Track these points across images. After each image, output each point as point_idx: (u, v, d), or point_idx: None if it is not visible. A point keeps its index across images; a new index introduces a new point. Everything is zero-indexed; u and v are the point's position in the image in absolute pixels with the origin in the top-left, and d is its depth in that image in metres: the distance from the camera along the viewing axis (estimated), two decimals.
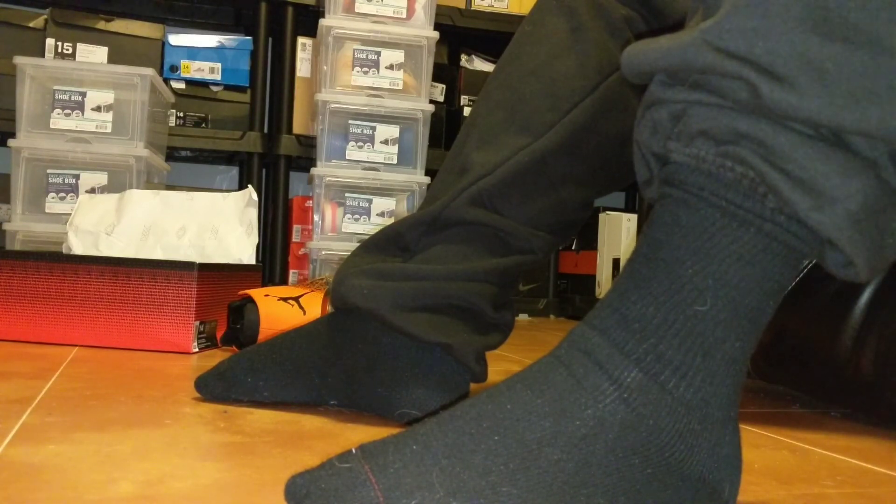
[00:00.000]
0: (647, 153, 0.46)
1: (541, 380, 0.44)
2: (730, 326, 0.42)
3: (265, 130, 2.20)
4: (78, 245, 1.26)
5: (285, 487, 0.41)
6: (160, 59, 2.10)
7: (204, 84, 2.16)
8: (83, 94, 1.76)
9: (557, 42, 0.74)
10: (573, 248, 2.46)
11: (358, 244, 0.76)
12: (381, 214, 1.94)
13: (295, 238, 2.22)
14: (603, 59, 0.72)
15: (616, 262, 2.22)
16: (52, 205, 1.75)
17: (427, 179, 1.95)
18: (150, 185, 1.81)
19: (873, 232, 0.41)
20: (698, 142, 0.42)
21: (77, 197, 1.72)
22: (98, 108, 1.77)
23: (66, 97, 1.76)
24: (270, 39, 2.25)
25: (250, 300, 1.11)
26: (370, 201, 1.94)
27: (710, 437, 0.43)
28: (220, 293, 1.20)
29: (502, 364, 1.14)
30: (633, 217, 2.25)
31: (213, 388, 0.76)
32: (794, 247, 0.41)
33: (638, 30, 0.74)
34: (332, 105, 1.90)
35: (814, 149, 0.39)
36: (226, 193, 1.33)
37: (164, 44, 2.11)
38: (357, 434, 0.66)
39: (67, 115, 1.76)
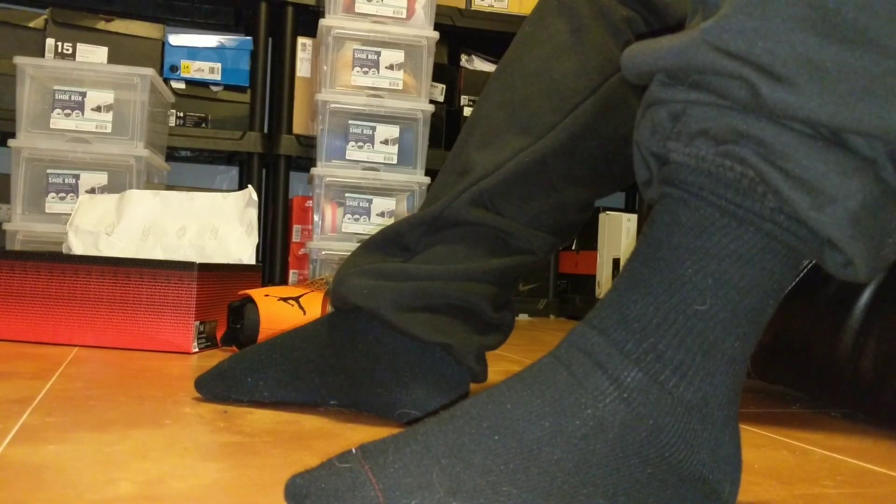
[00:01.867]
0: (646, 153, 0.46)
1: (541, 380, 0.44)
2: (729, 326, 0.42)
3: (265, 130, 2.20)
4: (78, 245, 1.26)
5: (285, 487, 0.41)
6: (160, 59, 2.10)
7: (204, 84, 2.16)
8: (83, 94, 1.76)
9: (558, 43, 0.74)
10: (573, 248, 2.46)
11: (358, 244, 0.76)
12: (381, 214, 1.94)
13: (295, 238, 2.22)
14: (604, 59, 0.72)
15: (616, 262, 2.22)
16: (52, 205, 1.75)
17: (427, 179, 1.95)
18: (150, 185, 1.81)
19: (873, 231, 0.41)
20: (698, 141, 0.42)
21: (77, 197, 1.72)
22: (98, 108, 1.77)
23: (66, 97, 1.76)
24: (270, 39, 2.26)
25: (250, 300, 1.11)
26: (370, 201, 1.94)
27: (710, 437, 0.43)
28: (220, 293, 1.20)
29: (502, 364, 1.14)
30: (633, 217, 2.25)
31: (213, 388, 0.76)
32: (793, 246, 0.41)
33: (639, 31, 0.74)
34: (332, 105, 1.90)
35: (813, 148, 0.40)
36: (226, 193, 1.33)
37: (164, 44, 2.11)
38: (357, 434, 0.66)
39: (67, 115, 1.76)
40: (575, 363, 0.43)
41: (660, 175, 0.45)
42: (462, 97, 2.35)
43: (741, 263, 0.41)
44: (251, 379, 0.74)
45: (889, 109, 0.39)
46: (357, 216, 1.93)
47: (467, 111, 2.31)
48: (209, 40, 2.16)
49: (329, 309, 0.76)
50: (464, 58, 2.40)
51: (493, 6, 2.33)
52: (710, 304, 0.42)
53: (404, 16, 1.95)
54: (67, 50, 2.02)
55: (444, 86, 2.36)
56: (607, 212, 2.31)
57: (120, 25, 2.07)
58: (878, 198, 0.40)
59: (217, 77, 2.16)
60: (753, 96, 0.39)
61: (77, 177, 1.75)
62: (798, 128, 0.40)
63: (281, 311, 1.10)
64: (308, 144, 2.13)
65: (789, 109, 0.39)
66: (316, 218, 1.92)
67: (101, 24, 2.05)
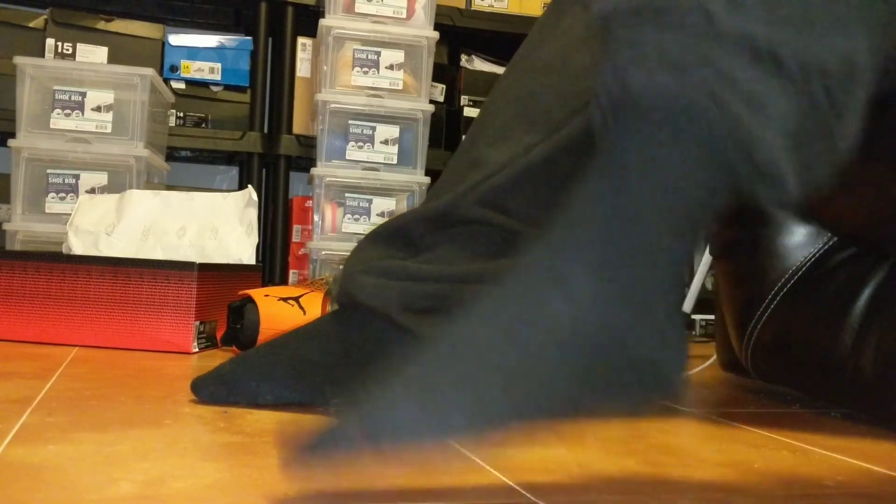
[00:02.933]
0: (604, 98, 0.49)
1: (492, 297, 0.48)
2: (669, 228, 0.47)
3: (265, 130, 2.20)
4: (78, 245, 1.26)
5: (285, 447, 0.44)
6: (160, 59, 2.10)
7: (204, 84, 2.16)
8: (83, 94, 1.76)
9: (574, 36, 0.73)
10: None
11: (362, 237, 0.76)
12: (381, 214, 1.94)
13: (295, 238, 2.22)
14: None
15: None
16: (52, 205, 1.75)
17: (427, 179, 1.95)
18: (150, 185, 1.81)
19: (804, 152, 0.45)
20: (654, 66, 0.46)
21: (77, 197, 1.72)
22: (98, 108, 1.77)
23: (66, 97, 1.75)
24: (270, 39, 2.25)
25: (250, 300, 1.11)
26: (370, 201, 1.94)
27: (654, 325, 0.47)
28: (220, 293, 1.20)
29: None
30: None
31: (213, 392, 0.75)
32: (734, 167, 0.45)
33: None
34: (332, 105, 1.90)
35: (758, 71, 0.44)
36: (226, 193, 1.33)
37: (164, 44, 2.11)
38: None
39: (67, 115, 1.76)
40: (523, 276, 0.48)
41: (614, 102, 0.49)
42: (462, 97, 2.35)
43: (684, 176, 0.46)
44: (255, 382, 0.73)
45: (819, 37, 0.44)
46: (357, 216, 1.93)
47: (467, 111, 2.31)
48: (209, 40, 2.16)
49: (329, 308, 0.76)
50: (464, 58, 2.40)
51: (493, 6, 2.33)
52: (651, 210, 0.46)
53: (404, 16, 1.95)
54: (67, 50, 2.02)
55: (444, 86, 2.36)
56: None
57: (120, 25, 2.07)
58: (811, 122, 0.45)
59: (217, 77, 2.16)
60: (708, 22, 0.44)
61: (77, 177, 1.75)
62: (746, 53, 0.44)
63: (281, 311, 1.10)
64: (308, 144, 2.13)
65: (739, 31, 0.43)
66: (316, 218, 1.91)
67: (101, 24, 2.05)
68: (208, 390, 0.75)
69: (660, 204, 0.46)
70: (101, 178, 1.76)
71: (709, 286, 1.66)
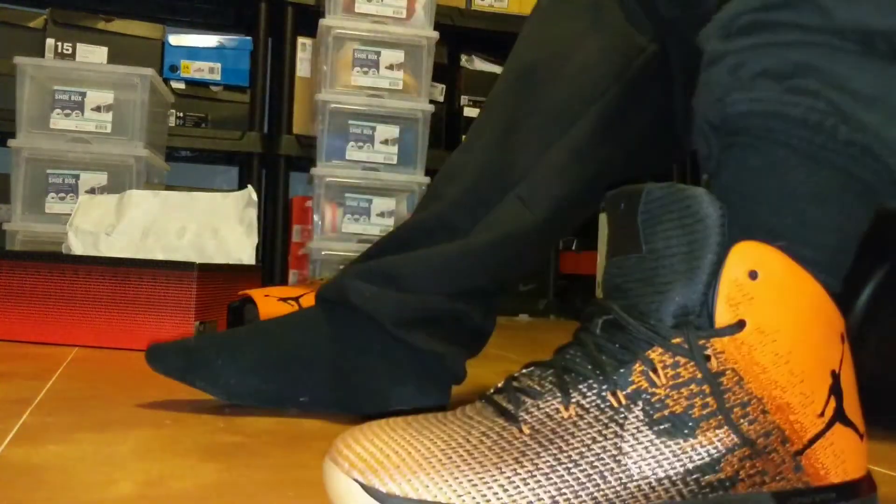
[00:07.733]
0: (704, 124, 0.44)
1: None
2: (811, 265, 0.40)
3: (265, 130, 2.20)
4: (78, 245, 1.26)
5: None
6: (160, 59, 2.10)
7: (204, 84, 2.16)
8: (83, 94, 1.76)
9: (578, 25, 0.71)
10: (573, 247, 2.46)
11: (359, 243, 0.76)
12: (381, 214, 1.94)
13: (295, 238, 2.22)
14: (627, 42, 0.69)
15: None
16: (52, 205, 1.75)
17: (427, 179, 1.95)
18: (150, 185, 1.81)
19: None
20: (760, 83, 0.41)
21: (77, 197, 1.72)
22: (98, 108, 1.77)
23: (66, 97, 1.75)
24: (270, 39, 2.26)
25: (250, 300, 1.11)
26: (370, 201, 1.94)
27: None
28: (220, 293, 1.20)
29: (502, 364, 1.14)
30: None
31: (171, 362, 0.70)
32: (868, 182, 0.40)
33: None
34: (332, 105, 1.90)
35: (873, 66, 0.39)
36: (226, 193, 1.33)
37: (164, 44, 2.11)
38: None
39: (67, 115, 1.76)
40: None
41: (722, 129, 0.44)
42: (462, 97, 2.35)
43: (818, 202, 0.40)
44: (221, 361, 0.69)
45: None
46: (357, 216, 1.93)
47: (467, 111, 2.31)
48: (209, 40, 2.16)
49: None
50: (464, 58, 2.40)
51: (493, 6, 2.33)
52: (789, 244, 0.40)
53: (404, 16, 1.95)
54: (67, 50, 2.02)
55: (444, 86, 2.36)
56: None
57: (120, 25, 2.07)
58: None
59: (217, 77, 2.16)
60: (824, 17, 0.39)
61: (77, 177, 1.75)
62: (852, 48, 0.39)
63: (281, 311, 1.10)
64: (308, 144, 2.13)
65: (854, 25, 0.39)
66: (316, 218, 1.91)
67: (101, 24, 2.05)
68: (165, 360, 0.70)
69: (797, 236, 0.40)
70: (101, 178, 1.76)
71: None
